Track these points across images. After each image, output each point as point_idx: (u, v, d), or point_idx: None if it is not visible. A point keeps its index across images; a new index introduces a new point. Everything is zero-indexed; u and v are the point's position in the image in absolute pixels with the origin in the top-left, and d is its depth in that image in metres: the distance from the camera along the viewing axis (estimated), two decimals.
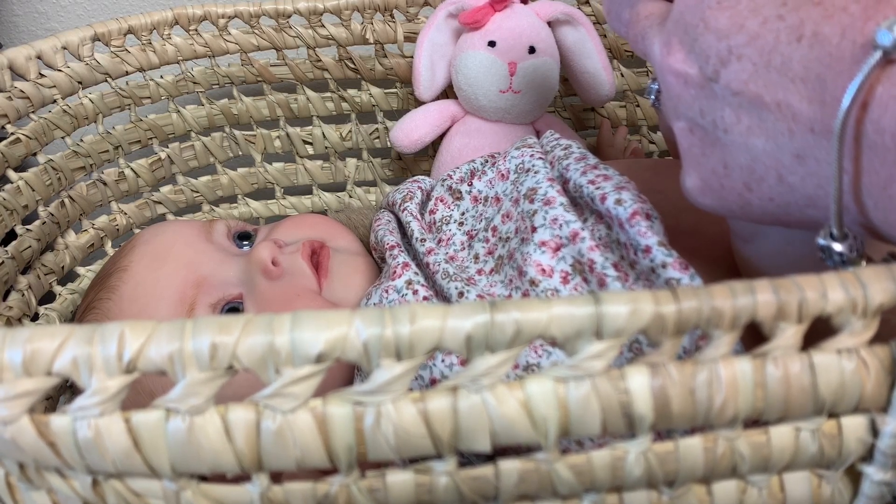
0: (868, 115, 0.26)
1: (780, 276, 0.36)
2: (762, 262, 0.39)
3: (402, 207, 0.54)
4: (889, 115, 0.25)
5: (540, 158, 0.49)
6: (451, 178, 0.54)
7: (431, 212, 0.53)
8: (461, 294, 0.44)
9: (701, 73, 0.31)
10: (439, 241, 0.51)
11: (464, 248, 0.50)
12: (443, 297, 0.46)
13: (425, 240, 0.50)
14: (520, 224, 0.47)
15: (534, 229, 0.45)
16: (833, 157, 0.27)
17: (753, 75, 0.29)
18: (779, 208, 0.31)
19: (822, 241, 0.29)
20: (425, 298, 0.45)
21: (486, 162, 0.54)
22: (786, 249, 0.37)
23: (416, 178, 0.58)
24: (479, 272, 0.48)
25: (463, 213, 0.52)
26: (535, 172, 0.48)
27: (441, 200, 0.53)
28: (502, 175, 0.51)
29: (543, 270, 0.43)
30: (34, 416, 0.23)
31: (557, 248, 0.44)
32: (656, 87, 0.39)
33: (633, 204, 0.42)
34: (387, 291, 0.46)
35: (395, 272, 0.47)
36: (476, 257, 0.49)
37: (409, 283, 0.46)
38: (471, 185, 0.53)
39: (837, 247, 0.29)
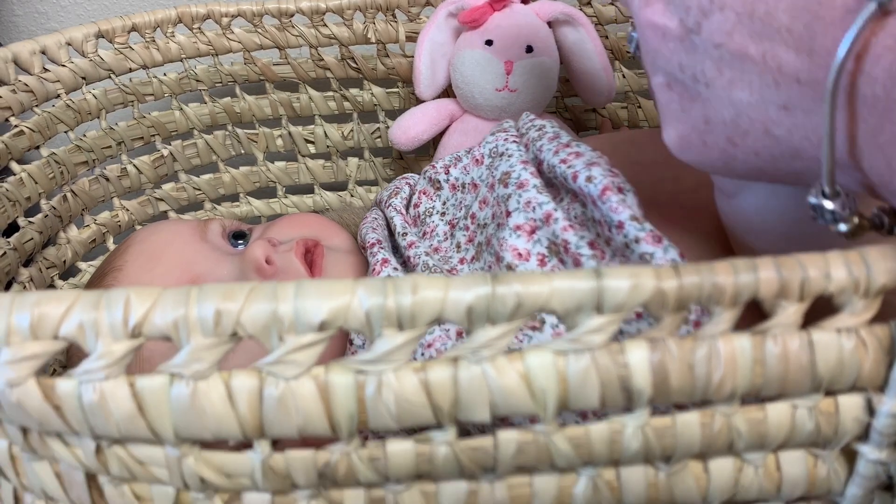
0: (860, 66, 0.26)
1: (766, 232, 0.35)
2: (747, 218, 0.39)
3: (387, 204, 0.54)
4: (881, 66, 0.25)
5: (514, 142, 0.50)
6: (434, 168, 0.54)
7: (415, 206, 0.54)
8: None
9: (681, 25, 0.30)
10: (424, 233, 0.51)
11: (447, 238, 0.51)
12: None
13: (407, 233, 0.51)
14: (496, 209, 0.47)
15: (508, 213, 0.45)
16: (825, 111, 0.26)
17: (737, 25, 0.28)
18: (765, 162, 0.30)
19: (813, 200, 0.29)
20: None
21: (468, 152, 0.54)
22: (771, 203, 0.37)
23: (405, 175, 0.59)
24: (462, 261, 0.48)
25: (444, 203, 0.53)
26: (509, 156, 0.48)
27: (424, 193, 0.54)
28: (477, 160, 0.52)
29: (520, 254, 0.43)
30: (40, 379, 0.23)
31: (532, 231, 0.44)
32: (637, 35, 0.38)
33: (604, 179, 0.42)
34: None
35: (373, 270, 0.48)
36: (458, 246, 0.49)
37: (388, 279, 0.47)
38: (448, 173, 0.53)
39: (829, 205, 0.28)
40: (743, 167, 0.31)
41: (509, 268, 0.43)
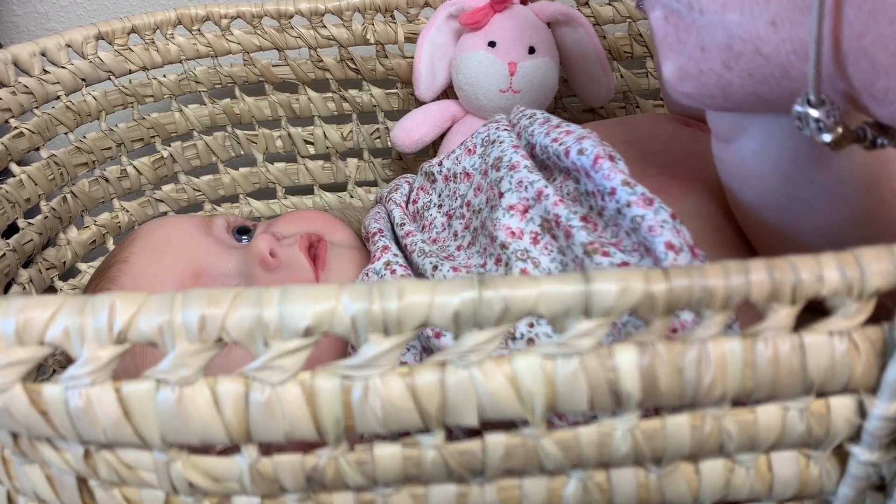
0: None
1: (764, 177, 0.36)
2: (745, 164, 0.39)
3: (388, 198, 0.55)
4: None
5: (505, 130, 0.51)
6: (429, 163, 0.55)
7: (414, 202, 0.55)
8: (435, 268, 0.45)
9: None
10: (423, 227, 0.52)
11: (444, 229, 0.51)
12: (418, 273, 0.47)
13: (404, 224, 0.51)
14: (489, 193, 0.48)
15: (501, 195, 0.45)
16: (813, 12, 0.26)
17: None
18: (758, 84, 0.31)
19: (798, 109, 0.29)
20: (402, 277, 0.46)
21: (462, 144, 0.55)
22: (768, 145, 0.37)
23: (406, 175, 0.59)
24: (459, 248, 0.49)
25: (440, 195, 0.54)
26: (501, 142, 0.49)
27: (421, 189, 0.55)
28: (469, 150, 0.52)
29: (513, 233, 0.44)
30: (27, 385, 0.23)
31: (525, 210, 0.44)
32: None
33: (595, 149, 0.42)
34: (367, 275, 0.47)
35: (374, 256, 0.49)
36: (455, 234, 0.50)
37: (388, 264, 0.48)
38: (441, 165, 0.54)
39: (814, 113, 0.28)
40: (740, 93, 0.32)
41: (503, 246, 0.43)
